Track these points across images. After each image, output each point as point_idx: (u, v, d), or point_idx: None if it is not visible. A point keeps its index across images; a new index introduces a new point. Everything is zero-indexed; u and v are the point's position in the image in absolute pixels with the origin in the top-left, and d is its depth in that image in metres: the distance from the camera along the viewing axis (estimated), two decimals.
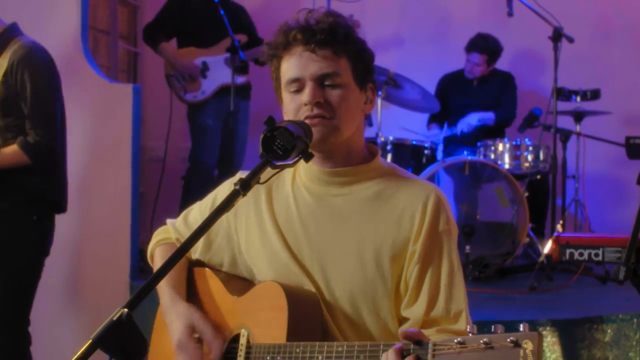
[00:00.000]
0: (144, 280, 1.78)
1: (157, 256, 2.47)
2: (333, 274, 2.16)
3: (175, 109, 6.27)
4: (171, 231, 2.47)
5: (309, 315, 2.11)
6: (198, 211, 2.43)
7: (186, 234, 2.41)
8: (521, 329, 1.66)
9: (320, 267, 2.17)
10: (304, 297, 2.14)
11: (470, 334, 1.71)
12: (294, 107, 2.12)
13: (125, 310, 1.61)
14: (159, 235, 2.52)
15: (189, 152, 6.21)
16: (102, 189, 5.06)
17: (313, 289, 2.17)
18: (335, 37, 2.12)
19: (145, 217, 6.39)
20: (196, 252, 2.40)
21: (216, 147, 6.14)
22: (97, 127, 5.02)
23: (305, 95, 2.09)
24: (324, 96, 2.10)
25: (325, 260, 2.17)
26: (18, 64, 3.77)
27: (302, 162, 2.09)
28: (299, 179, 2.26)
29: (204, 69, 6.04)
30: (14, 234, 3.88)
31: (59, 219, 4.07)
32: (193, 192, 5.98)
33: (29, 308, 3.97)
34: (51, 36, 4.11)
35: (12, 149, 3.78)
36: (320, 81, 2.11)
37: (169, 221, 2.51)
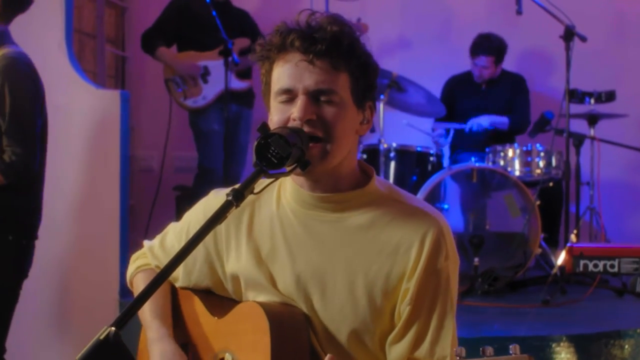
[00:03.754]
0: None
1: (139, 283, 2.43)
2: (320, 309, 2.12)
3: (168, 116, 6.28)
4: (149, 257, 2.43)
5: (294, 336, 2.09)
6: (174, 236, 2.38)
7: (165, 260, 2.34)
8: (511, 351, 1.64)
9: (306, 300, 2.13)
10: (288, 317, 2.11)
11: (458, 358, 1.70)
12: (281, 118, 2.02)
13: (113, 329, 1.60)
14: (137, 260, 2.48)
15: (185, 161, 6.23)
16: (89, 202, 5.05)
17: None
18: (338, 50, 2.01)
19: (136, 231, 6.39)
20: (178, 281, 2.36)
21: (222, 152, 6.15)
22: (83, 136, 5.03)
23: (296, 109, 1.99)
24: (317, 112, 2.00)
25: (311, 294, 2.13)
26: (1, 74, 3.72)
27: (288, 180, 2.09)
28: (285, 199, 2.18)
29: (205, 73, 6.07)
30: (10, 257, 3.84)
31: (44, 234, 4.07)
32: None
33: (5, 335, 3.91)
34: (33, 40, 4.11)
35: None
36: (314, 96, 2.01)
37: (146, 245, 2.47)
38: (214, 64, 6.05)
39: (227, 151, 6.14)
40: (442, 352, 2.06)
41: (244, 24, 6.20)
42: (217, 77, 6.04)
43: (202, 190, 6.21)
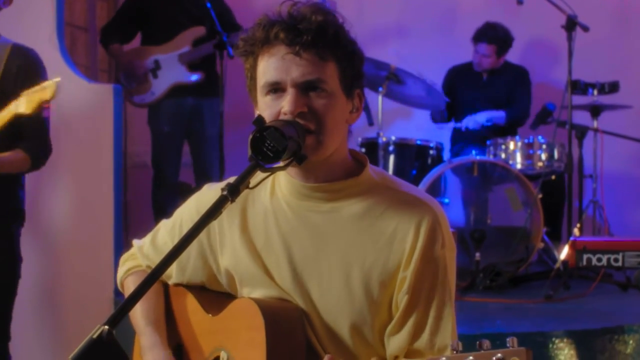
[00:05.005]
0: None
1: (130, 286, 2.43)
2: (317, 301, 2.13)
3: None
4: (140, 258, 2.44)
5: (290, 332, 2.10)
6: (166, 233, 2.38)
7: (157, 259, 2.35)
8: (508, 344, 1.65)
9: (303, 293, 2.14)
10: (283, 313, 2.12)
11: (455, 352, 1.71)
12: (271, 113, 2.02)
13: (106, 327, 1.60)
14: (127, 261, 2.48)
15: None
16: (82, 198, 5.05)
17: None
18: (323, 39, 2.01)
19: (131, 226, 6.40)
20: (171, 278, 2.37)
21: (175, 154, 6.12)
22: (76, 131, 5.02)
23: (286, 103, 2.00)
24: (307, 104, 2.01)
25: (308, 286, 2.13)
26: (27, 70, 3.87)
27: (282, 173, 2.08)
28: (279, 191, 2.19)
29: (156, 67, 6.00)
30: (5, 245, 3.96)
31: (36, 231, 4.08)
32: (161, 201, 6.00)
33: (9, 321, 4.00)
34: (24, 33, 4.10)
35: (15, 153, 3.83)
36: (302, 88, 2.01)
37: (135, 244, 2.47)
38: (166, 57, 5.99)
39: (194, 145, 6.15)
40: (443, 342, 2.07)
41: (204, 10, 6.10)
42: (167, 71, 5.99)
43: (160, 190, 6.20)
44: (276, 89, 2.03)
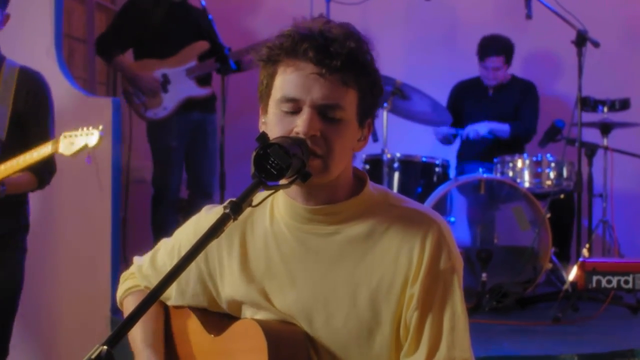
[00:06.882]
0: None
1: (129, 307, 2.44)
2: (322, 325, 2.12)
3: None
4: (139, 278, 2.44)
5: (292, 355, 2.09)
6: (165, 254, 2.38)
7: (155, 279, 2.37)
8: None
9: (307, 317, 2.13)
10: (287, 336, 2.11)
11: None
12: (282, 128, 2.01)
13: (105, 347, 1.60)
14: (126, 281, 2.49)
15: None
16: (80, 215, 5.05)
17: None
18: (351, 67, 2.01)
19: (129, 243, 6.40)
20: (170, 299, 2.37)
21: (179, 170, 6.18)
22: None
23: (301, 123, 1.99)
24: (321, 129, 2.00)
25: (313, 311, 2.13)
26: (36, 94, 3.99)
27: (281, 194, 2.09)
28: (278, 214, 2.18)
29: (165, 82, 6.05)
30: (11, 261, 4.04)
31: (32, 248, 4.09)
32: (161, 219, 6.01)
33: (9, 339, 4.05)
34: (22, 45, 4.12)
35: (23, 175, 3.89)
36: (320, 110, 2.00)
37: (135, 262, 2.48)
38: (174, 71, 6.05)
39: (193, 160, 6.19)
40: (462, 355, 2.06)
41: (200, 25, 6.15)
42: (176, 86, 6.04)
43: (163, 208, 6.24)
44: (292, 108, 2.02)
